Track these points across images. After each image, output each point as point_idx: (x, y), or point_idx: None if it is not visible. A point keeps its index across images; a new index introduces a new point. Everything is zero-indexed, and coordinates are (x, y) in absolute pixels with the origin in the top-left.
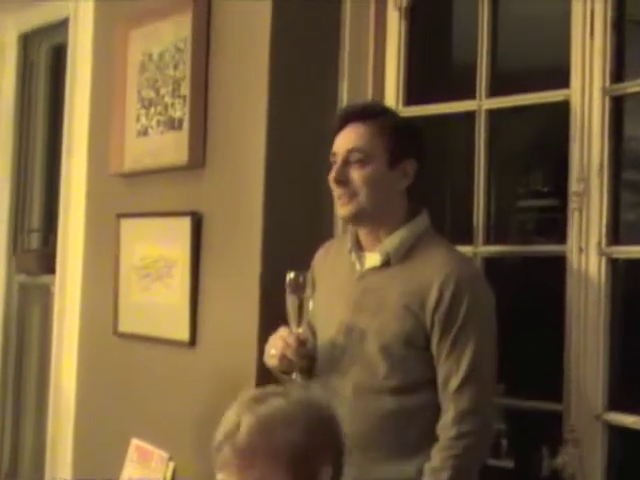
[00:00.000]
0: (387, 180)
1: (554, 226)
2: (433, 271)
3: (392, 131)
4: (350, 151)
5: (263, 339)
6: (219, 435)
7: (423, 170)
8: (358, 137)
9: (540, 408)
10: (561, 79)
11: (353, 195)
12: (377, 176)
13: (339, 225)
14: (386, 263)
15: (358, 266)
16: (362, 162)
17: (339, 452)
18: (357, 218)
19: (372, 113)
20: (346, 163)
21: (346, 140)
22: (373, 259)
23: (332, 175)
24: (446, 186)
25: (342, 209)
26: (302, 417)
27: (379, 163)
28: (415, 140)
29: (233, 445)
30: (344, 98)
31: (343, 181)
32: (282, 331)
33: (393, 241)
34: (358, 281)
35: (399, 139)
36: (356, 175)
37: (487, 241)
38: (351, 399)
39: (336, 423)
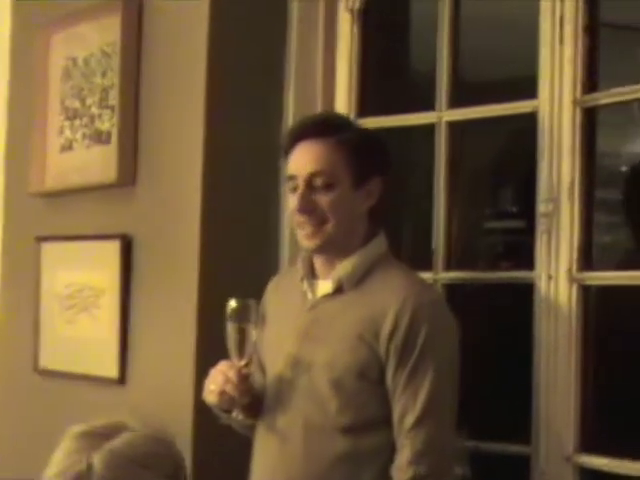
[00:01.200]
0: (352, 202)
1: (522, 250)
2: (389, 297)
3: (355, 148)
4: (313, 175)
5: (201, 375)
6: None
7: (386, 187)
8: (319, 158)
9: (506, 451)
10: (529, 89)
11: (321, 223)
12: (343, 199)
13: (285, 248)
14: (339, 290)
15: (310, 295)
16: (328, 186)
17: None
18: (323, 249)
19: (330, 127)
20: (309, 187)
21: (305, 162)
22: (325, 287)
23: (297, 204)
24: (403, 206)
25: (308, 242)
26: (158, 458)
27: (345, 185)
28: (380, 155)
29: None
30: (290, 109)
31: (310, 209)
32: (223, 365)
33: (346, 266)
34: (309, 311)
35: (363, 156)
36: (322, 201)
37: (448, 267)
38: (300, 440)
39: (183, 462)
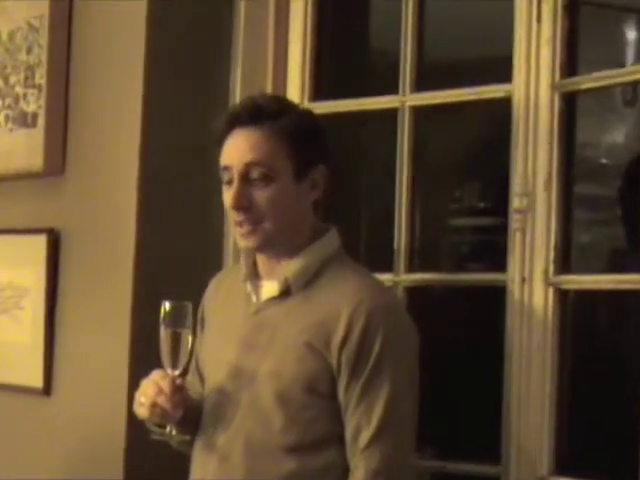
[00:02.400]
0: (295, 196)
1: (493, 250)
2: (341, 301)
3: (295, 135)
4: (249, 165)
5: (135, 385)
6: None
7: (332, 176)
8: (256, 147)
9: (474, 472)
10: (502, 72)
11: (258, 221)
12: (284, 194)
13: (230, 245)
14: (286, 292)
15: (254, 298)
16: (266, 179)
17: None
18: (263, 248)
19: (266, 113)
20: (245, 181)
21: (241, 151)
22: (271, 288)
23: (231, 200)
24: (361, 200)
25: (245, 240)
26: None
27: (285, 177)
28: (321, 141)
29: None
30: (237, 91)
31: (246, 206)
32: (155, 374)
33: (293, 266)
34: (253, 316)
35: (305, 143)
36: (260, 196)
37: (410, 268)
38: (241, 458)
39: None
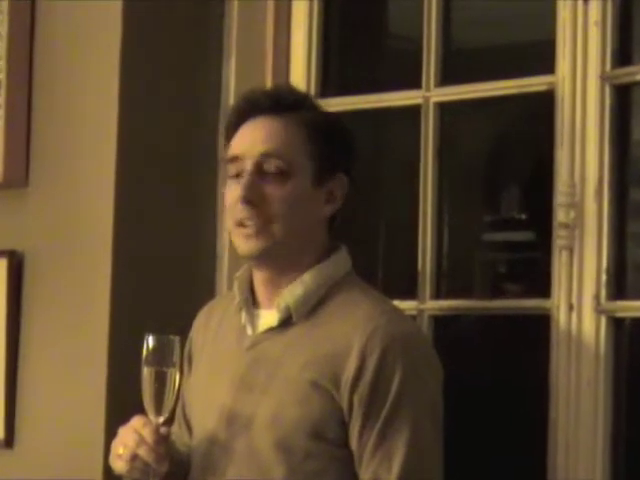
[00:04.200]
0: (310, 203)
1: (534, 272)
2: (352, 330)
3: (322, 132)
4: (265, 156)
5: (112, 434)
6: None
7: (351, 191)
8: (275, 136)
9: None
10: (543, 61)
11: (267, 221)
12: (300, 196)
13: (224, 268)
14: (287, 322)
15: (249, 329)
16: (282, 174)
17: None
18: (266, 259)
19: (293, 103)
20: (258, 173)
21: (257, 139)
22: (269, 318)
23: (240, 193)
24: (378, 213)
25: (248, 243)
26: None
27: (303, 177)
28: (349, 147)
29: None
30: (231, 87)
31: (256, 201)
32: (136, 421)
33: (296, 289)
34: (248, 350)
35: (330, 145)
36: (273, 193)
37: (437, 294)
38: None
39: None
